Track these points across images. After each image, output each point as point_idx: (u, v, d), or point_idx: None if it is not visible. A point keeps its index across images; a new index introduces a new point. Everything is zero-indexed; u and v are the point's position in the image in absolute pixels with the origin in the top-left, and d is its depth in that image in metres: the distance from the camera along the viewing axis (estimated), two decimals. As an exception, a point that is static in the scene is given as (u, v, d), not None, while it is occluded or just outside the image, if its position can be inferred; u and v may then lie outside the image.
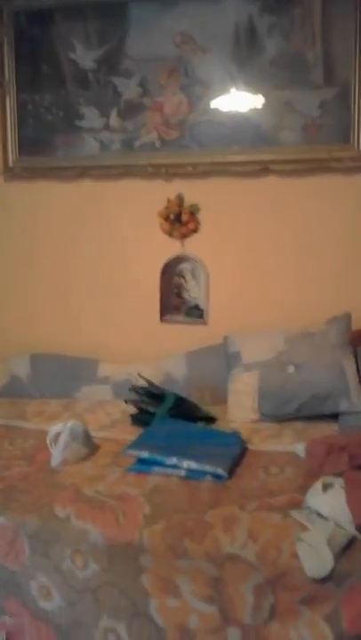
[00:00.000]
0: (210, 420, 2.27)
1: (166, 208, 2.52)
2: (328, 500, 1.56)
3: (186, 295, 2.67)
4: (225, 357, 2.43)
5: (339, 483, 1.60)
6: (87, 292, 2.69)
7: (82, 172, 2.59)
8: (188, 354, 2.53)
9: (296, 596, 1.48)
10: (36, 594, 1.70)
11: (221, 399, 2.39)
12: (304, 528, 1.53)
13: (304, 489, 1.67)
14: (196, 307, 2.65)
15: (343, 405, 2.18)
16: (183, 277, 2.66)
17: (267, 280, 2.50)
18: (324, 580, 1.45)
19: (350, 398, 2.17)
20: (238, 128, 2.40)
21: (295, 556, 1.49)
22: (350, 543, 1.49)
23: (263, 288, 2.51)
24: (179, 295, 2.68)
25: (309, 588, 1.47)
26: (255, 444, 2.06)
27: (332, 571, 1.44)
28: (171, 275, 2.64)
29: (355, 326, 2.36)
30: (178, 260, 2.61)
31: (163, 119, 2.46)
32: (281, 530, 1.55)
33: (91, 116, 2.55)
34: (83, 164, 2.58)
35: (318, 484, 1.63)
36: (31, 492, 1.78)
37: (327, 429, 2.11)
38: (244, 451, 1.99)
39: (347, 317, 2.35)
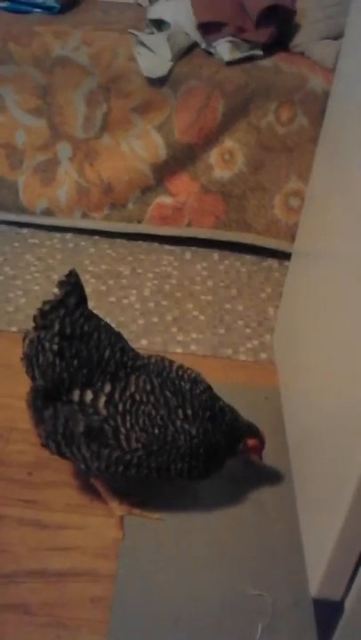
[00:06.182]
0: None
1: None
2: (171, 5, 1.41)
3: None
4: None
5: (184, -6, 1.44)
6: None
7: None
8: None
9: (130, 104, 1.41)
10: None
11: None
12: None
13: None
14: None
15: None
16: None
17: None
18: (162, 82, 1.38)
19: None
20: None
21: (133, 59, 1.38)
22: (191, 49, 1.40)
23: None
24: None
25: (145, 93, 1.40)
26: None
27: (171, 72, 1.37)
28: None
29: None
30: None
31: None
32: (118, 39, 1.41)
33: None
34: None
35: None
36: None
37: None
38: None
39: None
